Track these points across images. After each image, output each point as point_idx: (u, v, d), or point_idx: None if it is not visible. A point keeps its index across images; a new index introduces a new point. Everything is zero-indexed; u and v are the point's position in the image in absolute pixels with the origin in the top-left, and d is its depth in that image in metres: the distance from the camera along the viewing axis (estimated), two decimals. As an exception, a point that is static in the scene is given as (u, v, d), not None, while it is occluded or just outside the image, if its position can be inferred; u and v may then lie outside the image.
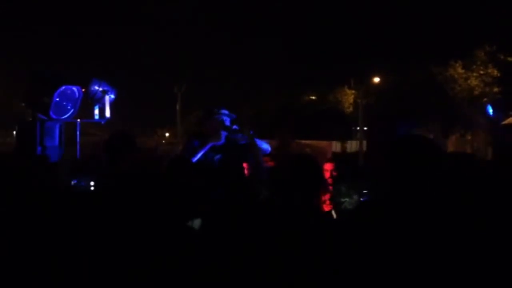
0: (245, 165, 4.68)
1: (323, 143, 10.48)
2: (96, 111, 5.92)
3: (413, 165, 2.40)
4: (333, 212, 6.81)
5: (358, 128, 35.21)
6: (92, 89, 5.74)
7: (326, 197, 6.83)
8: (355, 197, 9.18)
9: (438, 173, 2.43)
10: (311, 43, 47.99)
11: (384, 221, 2.36)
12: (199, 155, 4.58)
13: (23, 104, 5.82)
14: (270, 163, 3.49)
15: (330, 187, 7.60)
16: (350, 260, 2.34)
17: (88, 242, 2.53)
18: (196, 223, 3.16)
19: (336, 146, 33.48)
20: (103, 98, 5.81)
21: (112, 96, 5.90)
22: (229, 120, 4.85)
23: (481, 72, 31.93)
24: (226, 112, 4.85)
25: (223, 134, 4.72)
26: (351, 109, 39.48)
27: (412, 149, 2.45)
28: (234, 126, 4.80)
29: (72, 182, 4.46)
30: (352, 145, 39.65)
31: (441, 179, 2.42)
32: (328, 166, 7.92)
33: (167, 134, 52.57)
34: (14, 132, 7.14)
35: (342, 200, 9.17)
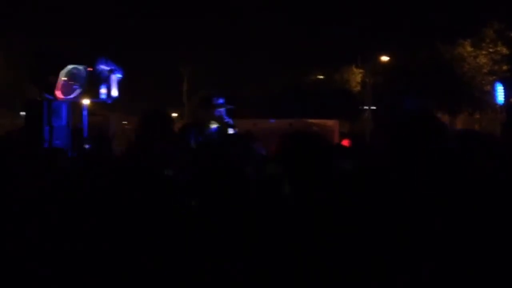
0: None
1: (330, 122, 10.43)
2: (103, 90, 5.88)
3: (416, 143, 2.39)
4: None
5: (366, 107, 35.02)
6: (99, 68, 5.71)
7: None
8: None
9: (442, 151, 2.40)
10: (318, 22, 47.68)
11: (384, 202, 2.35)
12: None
13: (30, 84, 5.80)
14: None
15: None
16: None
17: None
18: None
19: (344, 126, 33.30)
20: (109, 77, 5.78)
21: (119, 75, 5.86)
22: (225, 111, 4.82)
23: (490, 50, 31.66)
24: (222, 102, 4.81)
25: (216, 126, 4.76)
26: (358, 88, 39.28)
27: (417, 126, 2.43)
28: (229, 120, 4.78)
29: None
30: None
31: (444, 158, 2.40)
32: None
33: (174, 114, 52.46)
34: (21, 113, 7.14)
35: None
